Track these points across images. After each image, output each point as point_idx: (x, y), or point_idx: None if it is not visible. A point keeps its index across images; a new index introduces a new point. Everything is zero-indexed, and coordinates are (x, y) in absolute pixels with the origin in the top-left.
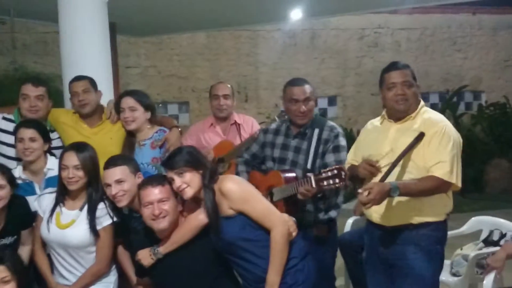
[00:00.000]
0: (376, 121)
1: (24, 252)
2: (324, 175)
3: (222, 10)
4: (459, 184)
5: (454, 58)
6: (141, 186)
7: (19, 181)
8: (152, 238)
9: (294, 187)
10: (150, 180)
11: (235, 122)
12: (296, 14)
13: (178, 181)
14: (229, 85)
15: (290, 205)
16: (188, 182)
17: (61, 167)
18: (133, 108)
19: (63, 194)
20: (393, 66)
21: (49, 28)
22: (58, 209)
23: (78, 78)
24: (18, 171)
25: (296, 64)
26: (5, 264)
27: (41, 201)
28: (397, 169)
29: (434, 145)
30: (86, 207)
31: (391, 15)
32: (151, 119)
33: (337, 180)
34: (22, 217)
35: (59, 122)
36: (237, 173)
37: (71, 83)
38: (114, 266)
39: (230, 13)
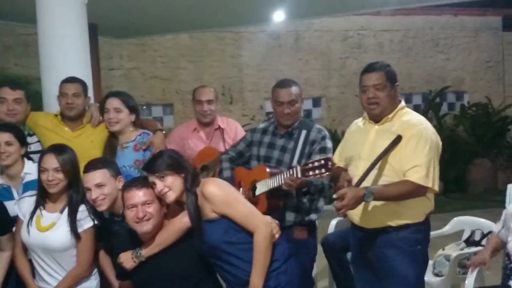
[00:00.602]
0: (360, 121)
1: (3, 258)
2: (310, 165)
3: (205, 11)
4: (436, 188)
5: (436, 59)
6: (125, 188)
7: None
8: (134, 241)
9: (278, 179)
10: (134, 183)
11: (219, 127)
12: (279, 16)
13: (159, 185)
14: (212, 89)
15: (272, 199)
16: (170, 185)
17: (41, 170)
18: (118, 109)
19: (43, 197)
20: (367, 68)
21: (30, 30)
22: (38, 212)
23: (71, 80)
24: None
25: (280, 65)
26: None
27: (21, 205)
28: (374, 172)
29: (410, 148)
30: (66, 210)
31: (374, 17)
32: (135, 121)
33: (323, 170)
34: (0, 223)
35: (38, 125)
36: (221, 170)
37: (63, 83)
38: (95, 270)
39: (213, 14)
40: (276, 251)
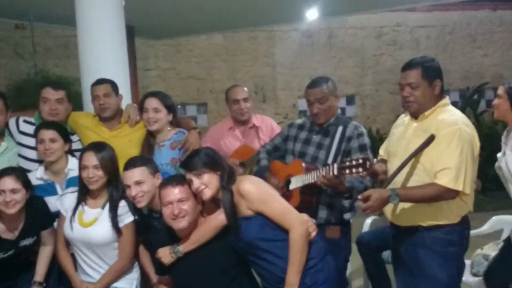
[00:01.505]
0: (405, 117)
1: (45, 252)
2: (348, 163)
3: (238, 10)
4: (467, 191)
5: (474, 55)
6: (161, 186)
7: (41, 182)
8: (172, 237)
9: (313, 175)
10: (170, 180)
11: (254, 125)
12: (312, 14)
13: (196, 182)
14: (245, 88)
15: (306, 194)
16: (206, 183)
17: (81, 167)
18: (157, 109)
19: (85, 194)
20: (404, 66)
21: (69, 32)
22: (80, 208)
23: (100, 82)
24: (39, 172)
25: (314, 63)
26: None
27: (63, 201)
28: (405, 170)
29: (441, 148)
30: (107, 205)
31: (410, 13)
32: (172, 121)
33: (360, 170)
34: (41, 218)
35: (79, 125)
36: (258, 160)
37: (93, 86)
38: (136, 263)
39: (246, 13)
40: (313, 249)
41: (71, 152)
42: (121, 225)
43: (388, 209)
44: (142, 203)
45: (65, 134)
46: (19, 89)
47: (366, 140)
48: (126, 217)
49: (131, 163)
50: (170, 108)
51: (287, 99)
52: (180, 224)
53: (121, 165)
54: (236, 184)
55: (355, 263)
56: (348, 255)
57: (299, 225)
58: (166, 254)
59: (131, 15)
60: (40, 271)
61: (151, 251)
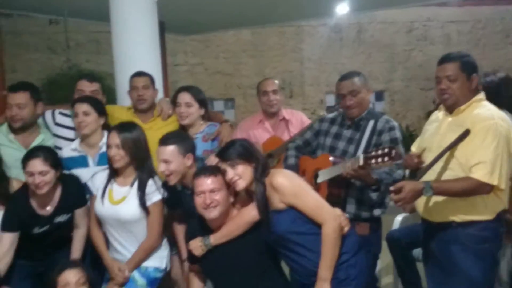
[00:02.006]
0: (438, 112)
1: (79, 234)
2: (373, 153)
3: (267, 6)
4: (502, 186)
5: (507, 51)
6: (195, 175)
7: (75, 153)
8: (204, 227)
9: (340, 167)
10: (204, 170)
11: (284, 118)
12: (342, 9)
13: (230, 173)
14: (276, 81)
15: (333, 187)
16: (241, 174)
17: (107, 146)
18: (189, 104)
19: (114, 172)
20: (442, 58)
21: (100, 27)
22: (110, 186)
23: (140, 74)
24: (75, 144)
25: (342, 59)
26: (80, 267)
27: (94, 181)
28: (440, 165)
29: (476, 143)
30: (136, 184)
31: (441, 8)
32: (203, 115)
33: (386, 159)
34: (75, 196)
35: (114, 117)
36: (286, 157)
37: (133, 77)
38: (165, 240)
39: (275, 9)
40: (346, 244)
41: (108, 127)
42: (148, 203)
43: (420, 204)
44: (171, 181)
45: (100, 108)
46: (53, 83)
47: (397, 134)
48: (154, 196)
49: (164, 140)
50: (202, 102)
51: (314, 95)
52: (211, 214)
53: (154, 157)
54: (269, 177)
55: (384, 260)
56: (378, 252)
57: (332, 220)
58: (197, 246)
59: (162, 10)
60: (75, 255)
61: (186, 235)
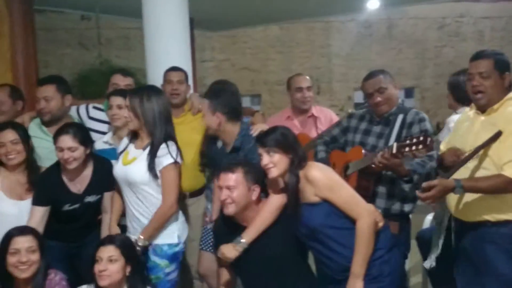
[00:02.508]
0: (469, 111)
1: (107, 219)
2: (408, 141)
3: (295, 1)
4: None
5: None
6: (217, 172)
7: (106, 146)
8: (230, 226)
9: (371, 156)
10: (226, 166)
11: (312, 115)
12: (373, 4)
13: (266, 159)
14: (308, 77)
15: (363, 179)
16: (275, 163)
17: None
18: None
19: (134, 135)
20: (475, 55)
21: (130, 23)
22: (128, 148)
23: (175, 69)
24: (107, 136)
25: (372, 55)
26: (115, 245)
27: (121, 144)
28: (473, 163)
29: (510, 141)
30: (148, 148)
31: (474, 3)
32: None
33: (420, 146)
34: (106, 178)
35: None
36: (316, 152)
37: (168, 71)
38: (178, 214)
39: (303, 4)
40: (380, 240)
41: None
42: (159, 167)
43: (452, 203)
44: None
45: None
46: (84, 79)
47: (428, 125)
48: (165, 159)
49: (229, 167)
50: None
51: (342, 91)
52: (227, 210)
53: (186, 151)
54: (304, 170)
55: (413, 259)
56: (407, 251)
57: (367, 215)
58: (230, 250)
59: (191, 7)
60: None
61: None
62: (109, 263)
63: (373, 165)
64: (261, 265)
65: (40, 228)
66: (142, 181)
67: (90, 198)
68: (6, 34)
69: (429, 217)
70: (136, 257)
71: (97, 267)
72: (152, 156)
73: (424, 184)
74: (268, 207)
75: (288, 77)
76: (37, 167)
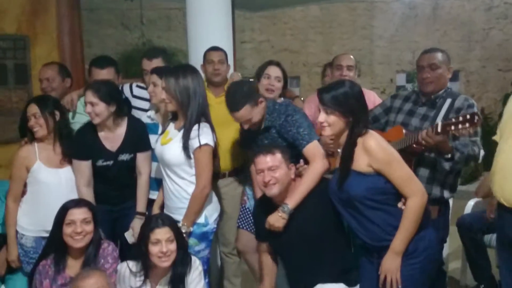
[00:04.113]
0: None
1: (141, 181)
2: (454, 120)
3: None
4: None
5: None
6: (254, 154)
7: (149, 120)
8: (266, 210)
9: (413, 137)
10: (262, 149)
11: None
12: None
13: (322, 117)
14: (352, 57)
15: (403, 158)
16: (331, 123)
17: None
18: (279, 78)
19: (174, 115)
20: None
21: (172, 4)
22: (168, 128)
23: (216, 48)
24: (150, 111)
25: (415, 36)
26: (168, 226)
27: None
28: None
29: None
30: (183, 129)
31: None
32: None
33: (467, 125)
34: (139, 138)
35: None
36: None
37: (208, 51)
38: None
39: None
40: None
41: None
42: (192, 149)
43: (497, 189)
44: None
45: None
46: (127, 59)
47: (476, 110)
48: (196, 142)
49: (233, 105)
50: (286, 79)
51: (384, 74)
52: (271, 191)
53: (224, 131)
54: (363, 137)
55: (452, 245)
56: (445, 236)
57: (421, 195)
58: (277, 219)
59: None
60: (140, 202)
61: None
62: (169, 244)
63: (414, 145)
64: (301, 242)
65: (91, 182)
66: (175, 162)
67: (124, 157)
68: (53, 13)
69: (471, 202)
70: (181, 236)
71: (158, 250)
72: (186, 137)
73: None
74: (309, 174)
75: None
76: (71, 138)
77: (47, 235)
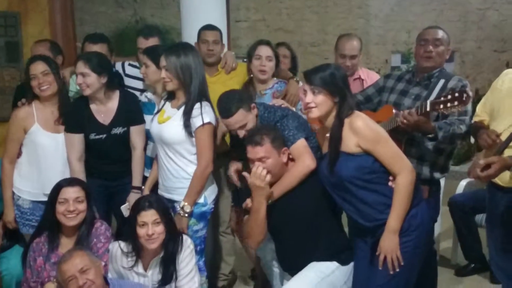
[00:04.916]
0: None
1: (136, 156)
2: (443, 99)
3: None
4: None
5: None
6: (245, 144)
7: (146, 100)
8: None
9: (400, 117)
10: (250, 139)
11: (359, 77)
12: None
13: (309, 97)
14: (357, 41)
15: (393, 139)
16: (318, 103)
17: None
18: (270, 58)
19: (171, 95)
20: None
21: None
22: (164, 107)
23: (211, 28)
24: (149, 93)
25: (411, 16)
26: (154, 208)
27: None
28: None
29: None
30: (183, 107)
31: None
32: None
33: (456, 103)
34: (132, 111)
35: None
36: None
37: (203, 30)
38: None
39: None
40: None
41: None
42: (193, 128)
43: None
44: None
45: (158, 60)
46: (120, 37)
47: (469, 92)
48: (198, 120)
49: (227, 111)
50: (278, 58)
51: (379, 54)
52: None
53: (215, 109)
54: (350, 118)
55: (444, 225)
56: (436, 216)
57: (409, 172)
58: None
59: None
60: (136, 176)
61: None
62: (155, 226)
63: (401, 124)
64: (293, 224)
65: (82, 156)
66: (175, 141)
67: (117, 130)
68: None
69: (463, 182)
70: (170, 217)
71: (144, 232)
72: (187, 115)
73: (482, 162)
74: (294, 172)
75: (340, 35)
76: (69, 102)
77: (44, 198)
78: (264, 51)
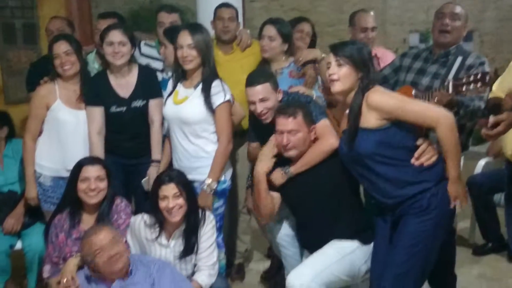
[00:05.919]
0: None
1: (154, 129)
2: (465, 80)
3: None
4: None
5: None
6: (276, 113)
7: (165, 76)
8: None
9: (425, 96)
10: (284, 110)
11: (375, 55)
12: None
13: (333, 69)
14: (372, 13)
15: None
16: (341, 76)
17: (177, 47)
18: (272, 38)
19: (181, 74)
20: None
21: None
22: (177, 87)
23: (227, 5)
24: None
25: None
26: (175, 182)
27: (168, 86)
28: None
29: None
30: (200, 86)
31: None
32: (287, 50)
33: (479, 84)
34: (151, 85)
35: None
36: None
37: (219, 8)
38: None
39: None
40: (430, 173)
41: None
42: (214, 106)
43: (509, 147)
44: (268, 119)
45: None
46: (135, 17)
47: (487, 69)
48: (219, 98)
49: (254, 80)
50: (286, 37)
51: (397, 34)
52: (288, 153)
53: (232, 88)
54: (368, 93)
55: None
56: None
57: (445, 118)
58: (278, 176)
59: None
60: (155, 149)
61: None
62: (176, 199)
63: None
64: (313, 199)
65: (103, 130)
66: (195, 120)
67: (137, 103)
68: None
69: (482, 162)
70: (191, 190)
71: (165, 205)
72: (207, 93)
73: (492, 119)
74: (317, 149)
75: (352, 12)
76: (90, 80)
77: (66, 175)
78: (267, 30)
